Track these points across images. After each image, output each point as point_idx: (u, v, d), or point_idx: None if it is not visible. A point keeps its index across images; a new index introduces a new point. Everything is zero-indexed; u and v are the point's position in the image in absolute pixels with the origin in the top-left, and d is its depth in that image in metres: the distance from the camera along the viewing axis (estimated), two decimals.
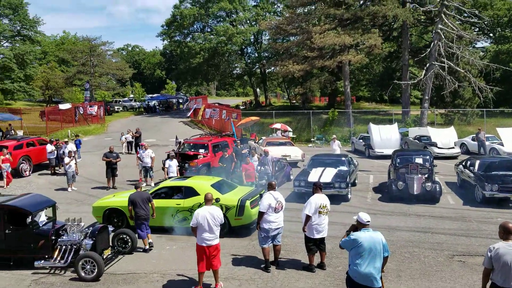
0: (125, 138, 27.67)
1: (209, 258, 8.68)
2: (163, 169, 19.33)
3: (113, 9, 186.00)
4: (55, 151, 21.39)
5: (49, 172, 21.90)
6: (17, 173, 20.53)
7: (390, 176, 17.64)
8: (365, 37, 33.98)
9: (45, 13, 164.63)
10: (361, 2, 38.79)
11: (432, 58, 33.80)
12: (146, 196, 11.45)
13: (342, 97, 47.52)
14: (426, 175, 15.41)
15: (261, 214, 9.46)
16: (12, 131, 32.41)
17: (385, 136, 25.54)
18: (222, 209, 11.40)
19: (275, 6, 57.42)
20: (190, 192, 12.43)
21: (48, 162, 21.94)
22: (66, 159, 18.43)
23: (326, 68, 38.19)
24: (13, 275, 10.00)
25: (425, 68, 35.03)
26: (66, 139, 23.94)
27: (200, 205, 12.04)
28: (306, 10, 39.93)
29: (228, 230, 11.96)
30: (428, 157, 16.89)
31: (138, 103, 62.31)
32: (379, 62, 50.56)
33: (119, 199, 13.22)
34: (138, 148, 22.41)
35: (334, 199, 14.47)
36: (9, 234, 10.18)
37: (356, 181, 18.32)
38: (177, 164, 17.73)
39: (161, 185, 13.41)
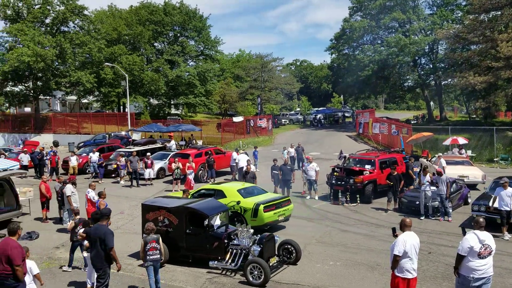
0: (288, 153, 26.40)
1: None
2: (327, 183, 19.28)
3: (284, 27, 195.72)
4: (238, 160, 22.94)
5: (230, 178, 23.66)
6: (196, 179, 22.60)
7: None
8: None
9: (224, 33, 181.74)
10: None
11: None
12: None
13: None
14: None
15: (459, 257, 7.48)
16: (194, 140, 36.22)
17: None
18: (241, 211, 13.83)
19: (454, 13, 53.24)
20: (220, 194, 14.46)
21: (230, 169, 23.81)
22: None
23: None
24: (191, 272, 10.94)
25: None
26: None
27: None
28: (490, 16, 36.14)
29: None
30: None
31: (303, 116, 63.99)
32: None
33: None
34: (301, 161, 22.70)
35: None
36: (188, 234, 11.18)
37: None
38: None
39: (201, 187, 15.88)
